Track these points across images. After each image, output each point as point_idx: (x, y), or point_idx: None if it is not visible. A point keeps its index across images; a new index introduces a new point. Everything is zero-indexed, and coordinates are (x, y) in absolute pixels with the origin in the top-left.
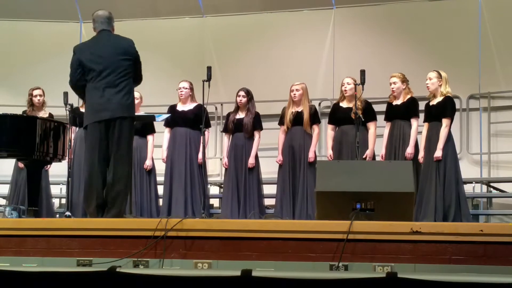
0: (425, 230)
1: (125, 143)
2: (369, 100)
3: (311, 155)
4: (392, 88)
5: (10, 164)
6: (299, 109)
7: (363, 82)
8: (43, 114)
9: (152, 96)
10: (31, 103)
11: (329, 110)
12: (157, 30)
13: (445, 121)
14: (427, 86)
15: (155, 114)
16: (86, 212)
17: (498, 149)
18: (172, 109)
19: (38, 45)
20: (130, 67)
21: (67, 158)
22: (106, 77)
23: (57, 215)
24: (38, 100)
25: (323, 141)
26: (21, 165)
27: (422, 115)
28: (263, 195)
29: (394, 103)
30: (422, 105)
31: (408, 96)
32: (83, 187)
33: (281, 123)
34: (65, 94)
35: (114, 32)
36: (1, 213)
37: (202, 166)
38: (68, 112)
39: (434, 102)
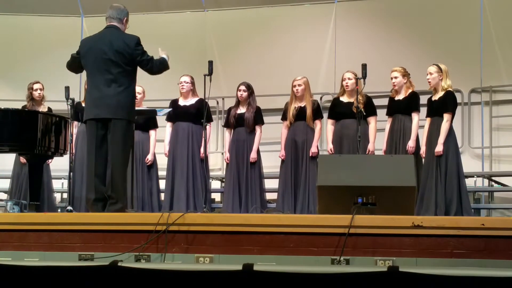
0: (427, 224)
1: (118, 144)
2: (370, 95)
3: (313, 149)
4: (393, 83)
5: (12, 159)
6: (302, 104)
7: (364, 76)
8: (43, 108)
9: (154, 90)
10: (31, 98)
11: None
12: (159, 24)
13: (446, 116)
14: (428, 81)
15: (156, 109)
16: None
17: (500, 143)
18: (174, 103)
19: (39, 39)
20: (125, 66)
21: (68, 152)
22: (98, 75)
23: (59, 210)
24: (39, 94)
25: (324, 135)
26: (23, 160)
27: (423, 109)
28: (265, 190)
29: (396, 98)
30: (424, 99)
31: (410, 91)
32: (85, 181)
33: (284, 118)
34: (67, 89)
35: (126, 27)
36: (3, 207)
37: (204, 161)
38: (69, 107)
39: (436, 97)
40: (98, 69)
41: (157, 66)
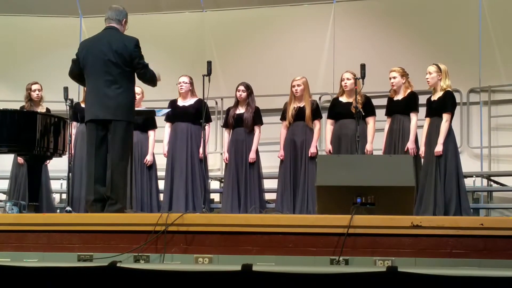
0: (426, 224)
1: (118, 145)
2: (369, 95)
3: (312, 150)
4: (392, 83)
5: (10, 159)
6: (301, 104)
7: (363, 76)
8: (41, 109)
9: (152, 91)
10: (29, 98)
11: (329, 104)
12: (158, 24)
13: (445, 116)
14: (427, 81)
15: (155, 109)
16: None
17: (499, 143)
18: (173, 104)
19: (38, 40)
20: (125, 67)
21: (67, 153)
22: (98, 76)
23: (58, 210)
24: (37, 95)
25: (323, 135)
26: (20, 160)
27: (422, 109)
28: (264, 190)
29: (395, 98)
30: (423, 99)
31: (409, 91)
32: (84, 182)
33: (283, 118)
34: (65, 89)
35: (125, 28)
36: (2, 208)
37: (203, 161)
38: (68, 107)
39: (435, 97)
40: (98, 70)
41: (150, 74)
